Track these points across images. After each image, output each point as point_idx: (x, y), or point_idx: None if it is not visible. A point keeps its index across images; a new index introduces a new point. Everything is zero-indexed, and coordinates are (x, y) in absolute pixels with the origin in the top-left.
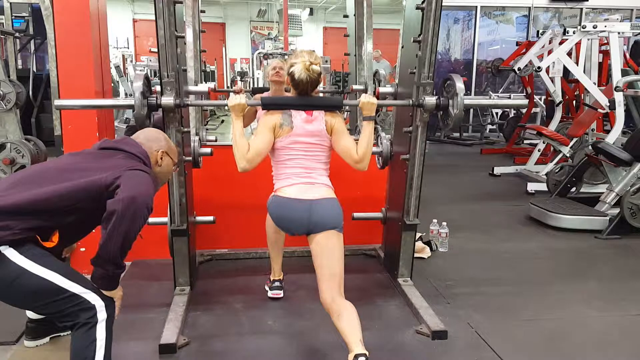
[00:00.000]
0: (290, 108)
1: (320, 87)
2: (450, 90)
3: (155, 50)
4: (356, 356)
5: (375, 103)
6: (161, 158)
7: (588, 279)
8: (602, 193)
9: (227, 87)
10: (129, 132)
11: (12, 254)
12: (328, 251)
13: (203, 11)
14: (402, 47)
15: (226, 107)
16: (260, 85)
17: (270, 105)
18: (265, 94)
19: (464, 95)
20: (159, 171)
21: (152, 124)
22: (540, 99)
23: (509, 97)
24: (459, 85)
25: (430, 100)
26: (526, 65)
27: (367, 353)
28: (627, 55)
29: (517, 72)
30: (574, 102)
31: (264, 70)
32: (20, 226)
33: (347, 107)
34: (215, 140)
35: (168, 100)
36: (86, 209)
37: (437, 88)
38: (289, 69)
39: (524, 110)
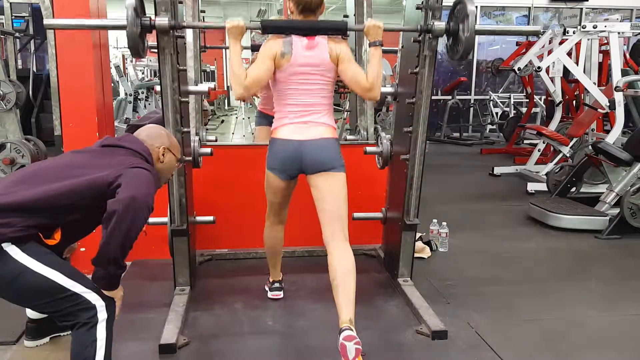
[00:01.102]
0: (290, 32)
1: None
2: (460, 14)
3: (155, 50)
4: (341, 330)
5: (382, 26)
6: (163, 154)
7: (588, 279)
8: (602, 193)
9: (227, 87)
10: (130, 132)
11: (14, 251)
12: (327, 194)
13: (203, 11)
14: (402, 47)
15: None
16: None
17: (269, 28)
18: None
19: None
20: (161, 168)
21: (145, 51)
22: (540, 99)
23: (509, 97)
24: (470, 7)
25: (439, 24)
26: (526, 65)
27: (352, 329)
28: (627, 55)
29: (517, 72)
30: (574, 102)
31: None
32: (22, 223)
33: (347, 107)
34: (215, 140)
35: (162, 20)
36: (88, 207)
37: (436, 86)
38: None
39: (524, 110)
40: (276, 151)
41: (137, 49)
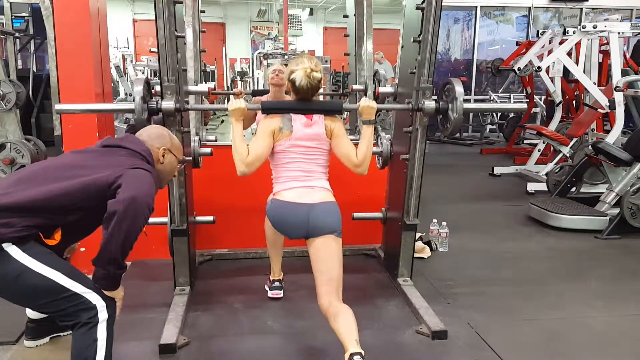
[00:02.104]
0: (290, 112)
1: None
2: (449, 95)
3: (155, 50)
4: (352, 355)
5: (375, 107)
6: (163, 155)
7: (588, 279)
8: (602, 193)
9: (227, 87)
10: (130, 131)
11: (14, 251)
12: (326, 256)
13: (203, 11)
14: (402, 47)
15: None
16: (260, 86)
17: (270, 110)
18: (264, 97)
19: (464, 99)
20: (161, 169)
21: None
22: (540, 99)
23: (509, 97)
24: (459, 89)
25: (430, 104)
26: (526, 65)
27: (362, 352)
28: (627, 55)
29: (517, 72)
30: (574, 102)
31: (264, 71)
32: (22, 223)
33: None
34: (215, 140)
35: (168, 104)
36: (88, 208)
37: (437, 87)
38: (290, 76)
39: None
40: (285, 214)
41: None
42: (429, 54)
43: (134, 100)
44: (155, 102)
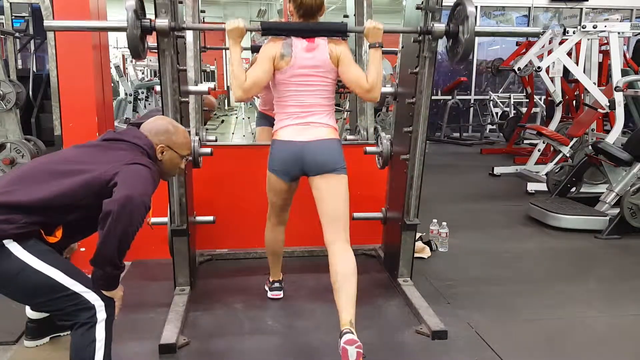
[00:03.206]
0: (290, 34)
1: None
2: (459, 16)
3: (155, 50)
4: (342, 333)
5: (382, 28)
6: (162, 152)
7: (588, 279)
8: (602, 193)
9: (227, 87)
10: None
11: (15, 248)
12: (328, 195)
13: (203, 11)
14: (402, 47)
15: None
16: None
17: (269, 30)
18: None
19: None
20: (162, 165)
21: (145, 52)
22: (540, 99)
23: (509, 97)
24: (470, 9)
25: (439, 26)
26: (526, 65)
27: (353, 332)
28: (627, 55)
29: (517, 72)
30: (574, 102)
31: None
32: (23, 220)
33: (347, 107)
34: (215, 140)
35: (162, 22)
36: (89, 205)
37: (436, 87)
38: None
39: (524, 110)
40: (278, 153)
41: (137, 51)
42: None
43: (126, 16)
44: (149, 20)
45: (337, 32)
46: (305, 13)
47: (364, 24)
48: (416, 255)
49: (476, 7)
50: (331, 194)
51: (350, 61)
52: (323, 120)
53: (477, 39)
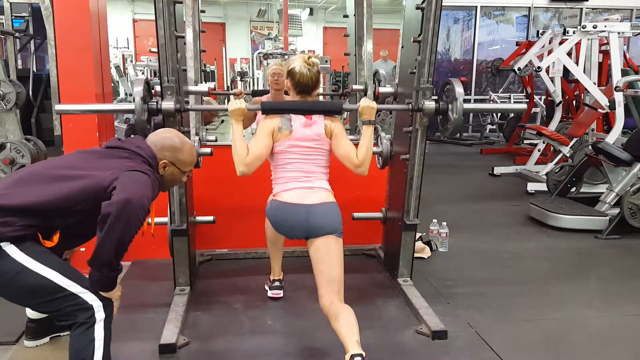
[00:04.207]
0: (289, 112)
1: (320, 88)
2: (449, 95)
3: (155, 50)
4: (352, 356)
5: (375, 107)
6: (164, 167)
7: (588, 279)
8: (602, 193)
9: (227, 87)
10: (130, 131)
11: (12, 250)
12: (327, 257)
13: (203, 11)
14: (402, 47)
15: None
16: (260, 86)
17: (269, 110)
18: (264, 97)
19: (464, 99)
20: (163, 178)
21: (153, 126)
22: (540, 99)
23: (509, 97)
24: (459, 90)
25: (430, 104)
26: (526, 65)
27: (363, 353)
28: (627, 55)
29: (517, 72)
30: (574, 102)
31: (264, 71)
32: (21, 223)
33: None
34: (215, 140)
35: (168, 105)
36: (87, 211)
37: (437, 87)
38: (289, 69)
39: None
40: (284, 215)
41: (144, 131)
42: (429, 54)
43: (134, 101)
44: (155, 103)
45: (332, 111)
46: (302, 90)
47: (359, 103)
48: (416, 255)
49: (476, 7)
50: (330, 255)
51: (343, 136)
52: (323, 185)
53: (477, 39)
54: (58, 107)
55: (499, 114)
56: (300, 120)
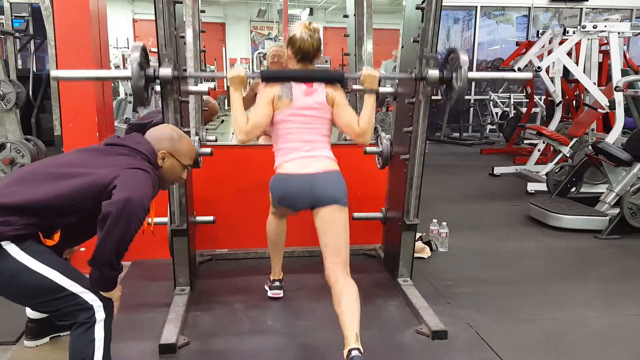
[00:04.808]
0: (289, 80)
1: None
2: (453, 64)
3: (155, 50)
4: (350, 350)
5: (377, 75)
6: (163, 159)
7: (588, 279)
8: (602, 193)
9: (227, 87)
10: (130, 131)
11: (13, 249)
12: (332, 227)
13: (203, 11)
14: (402, 47)
15: (226, 81)
16: None
17: (269, 78)
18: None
19: (468, 67)
20: (162, 172)
21: (150, 99)
22: (540, 99)
23: (509, 97)
24: (463, 57)
25: (433, 72)
26: (526, 65)
27: (361, 348)
28: (627, 55)
29: (517, 72)
30: (574, 102)
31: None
32: (21, 222)
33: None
34: (215, 140)
35: (166, 71)
36: (87, 209)
37: (437, 88)
38: (289, 36)
39: (524, 110)
40: (288, 187)
41: (141, 99)
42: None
43: (130, 67)
44: (152, 69)
45: (333, 79)
46: (303, 58)
47: (361, 71)
48: (416, 255)
49: (476, 7)
50: (335, 225)
51: (345, 105)
52: (326, 153)
53: (477, 39)
54: (54, 72)
55: (499, 114)
56: (301, 88)
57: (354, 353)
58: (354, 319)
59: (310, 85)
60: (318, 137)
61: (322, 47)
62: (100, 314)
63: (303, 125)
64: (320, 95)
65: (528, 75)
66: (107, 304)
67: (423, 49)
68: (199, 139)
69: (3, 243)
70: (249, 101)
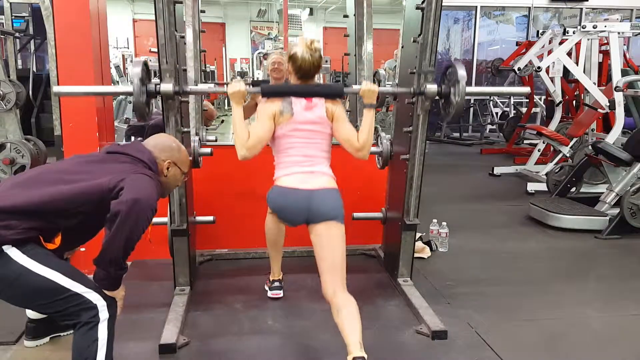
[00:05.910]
0: (290, 95)
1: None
2: (451, 78)
3: (155, 50)
4: (354, 359)
5: (376, 90)
6: (167, 168)
7: (588, 279)
8: (602, 193)
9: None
10: (130, 132)
11: (14, 253)
12: (328, 242)
13: (203, 11)
14: (402, 47)
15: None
16: None
17: (270, 93)
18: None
19: (466, 82)
20: (165, 181)
21: (149, 128)
22: (540, 99)
23: (509, 97)
24: (461, 72)
25: (432, 87)
26: (526, 65)
27: (365, 356)
28: (627, 55)
29: (517, 72)
30: (574, 102)
31: (264, 71)
32: (22, 226)
33: (347, 107)
34: (215, 140)
35: (167, 87)
36: (88, 213)
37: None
38: (290, 53)
39: (524, 110)
40: (285, 201)
41: (143, 114)
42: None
43: (132, 82)
44: (154, 85)
45: (333, 94)
46: (304, 75)
47: (360, 85)
48: (416, 255)
49: (476, 7)
50: (331, 241)
51: (345, 120)
52: (325, 170)
53: (477, 39)
54: (56, 89)
55: (499, 114)
56: (301, 103)
57: None
58: (355, 325)
59: (310, 100)
60: (318, 153)
61: (322, 65)
62: (103, 314)
63: (304, 140)
64: (320, 110)
65: (526, 89)
66: (111, 304)
67: (422, 62)
68: (199, 139)
69: (4, 247)
70: (250, 109)
